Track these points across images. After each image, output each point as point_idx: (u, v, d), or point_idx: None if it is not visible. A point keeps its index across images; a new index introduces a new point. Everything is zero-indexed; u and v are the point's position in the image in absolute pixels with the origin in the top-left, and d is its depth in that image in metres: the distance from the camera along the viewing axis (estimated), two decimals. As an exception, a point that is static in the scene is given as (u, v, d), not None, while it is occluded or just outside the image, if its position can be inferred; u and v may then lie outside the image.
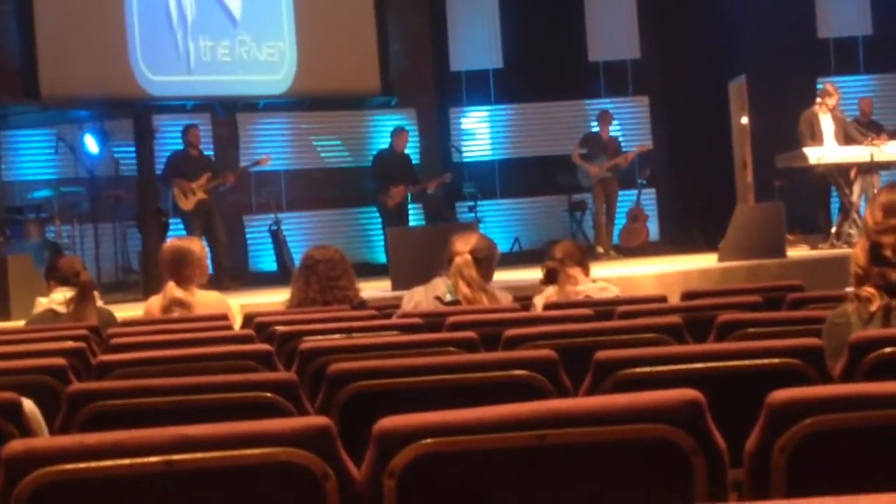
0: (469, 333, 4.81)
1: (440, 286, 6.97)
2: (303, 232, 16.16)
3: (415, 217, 16.77)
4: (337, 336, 5.40)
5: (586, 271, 7.23)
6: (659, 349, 4.17)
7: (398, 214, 15.72)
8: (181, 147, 14.78)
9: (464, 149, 17.55)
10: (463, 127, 17.81)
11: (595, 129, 16.72)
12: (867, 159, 13.76)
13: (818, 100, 14.32)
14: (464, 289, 6.77)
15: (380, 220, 16.01)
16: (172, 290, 7.16)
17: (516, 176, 17.65)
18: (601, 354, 3.69)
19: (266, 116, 16.60)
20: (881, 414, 2.63)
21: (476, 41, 17.69)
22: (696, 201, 17.11)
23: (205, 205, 14.36)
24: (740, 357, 3.71)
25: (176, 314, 7.07)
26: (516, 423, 2.53)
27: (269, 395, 3.60)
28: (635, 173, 16.94)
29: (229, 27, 15.92)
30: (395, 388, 3.74)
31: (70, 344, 5.47)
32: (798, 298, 6.15)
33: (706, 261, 13.08)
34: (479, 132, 17.88)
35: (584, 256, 7.35)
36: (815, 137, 14.11)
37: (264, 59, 16.20)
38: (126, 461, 2.47)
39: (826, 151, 13.92)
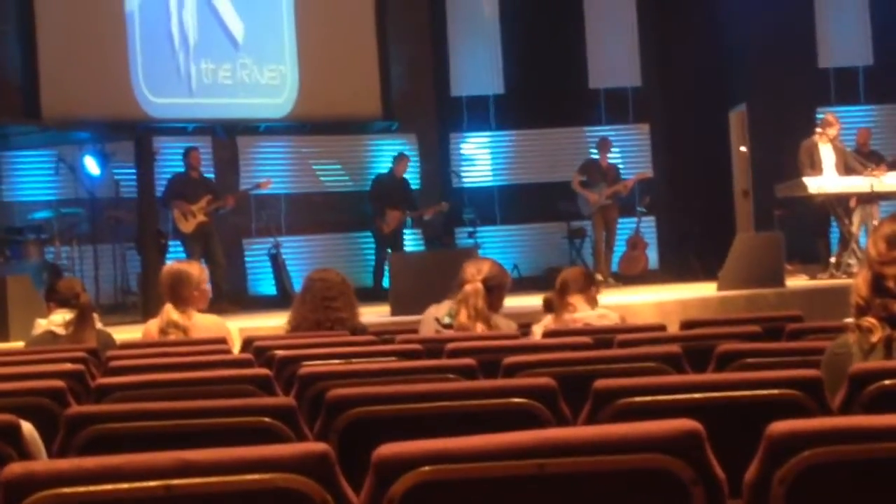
0: (468, 360, 4.81)
1: (443, 308, 6.99)
2: (302, 256, 16.15)
3: (414, 243, 16.79)
4: (336, 361, 5.39)
5: (590, 298, 7.19)
6: (658, 378, 4.18)
7: (393, 239, 15.73)
8: (182, 169, 14.80)
9: (464, 174, 17.57)
10: (463, 152, 17.83)
11: (594, 157, 16.75)
12: (867, 189, 13.78)
13: (818, 129, 14.34)
14: (462, 317, 6.76)
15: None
16: (169, 312, 7.15)
17: (516, 202, 17.66)
18: (600, 383, 3.68)
19: (267, 140, 16.62)
20: (881, 447, 2.63)
21: (477, 67, 17.72)
22: (696, 230, 17.12)
23: (204, 227, 14.37)
24: (739, 387, 3.70)
25: (172, 337, 7.06)
26: (516, 452, 2.52)
27: (267, 420, 3.60)
28: (635, 201, 16.95)
29: (231, 50, 15.95)
30: (395, 415, 3.73)
31: (69, 366, 5.46)
32: (797, 329, 6.15)
33: (705, 289, 13.09)
34: (479, 158, 17.89)
35: (590, 284, 7.31)
36: (815, 167, 14.13)
37: (266, 83, 16.22)
38: (125, 485, 2.46)
39: (826, 181, 13.94)
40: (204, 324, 7.22)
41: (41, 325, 7.21)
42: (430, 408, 3.73)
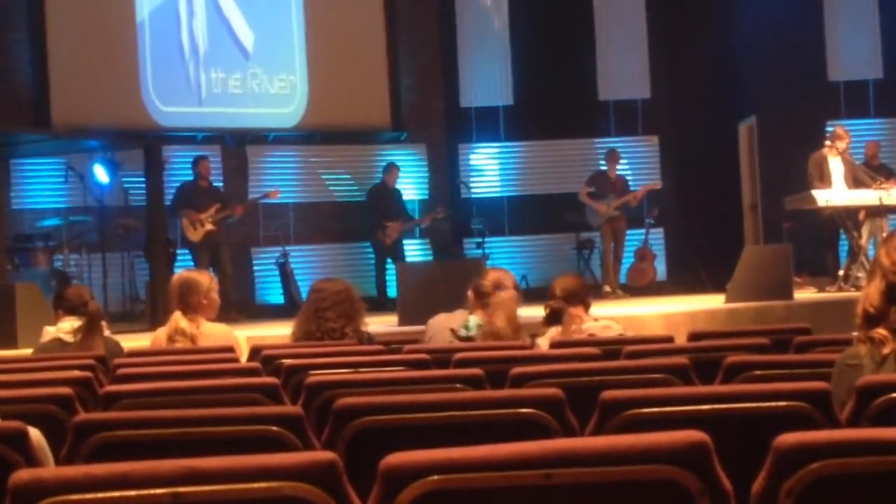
0: (476, 370, 4.81)
1: (458, 318, 6.98)
2: (310, 265, 16.16)
3: (422, 252, 16.80)
4: (344, 370, 5.39)
5: (587, 308, 7.20)
6: (666, 390, 4.17)
7: (394, 250, 15.73)
8: (191, 178, 14.82)
9: (472, 185, 17.58)
10: (472, 163, 17.83)
11: (603, 168, 16.76)
12: (876, 203, 13.76)
13: (828, 142, 14.32)
14: (500, 321, 6.77)
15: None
16: (178, 320, 7.16)
17: (525, 213, 17.66)
18: (608, 394, 3.68)
19: (276, 149, 16.63)
20: (889, 460, 2.62)
21: (486, 78, 17.74)
22: (704, 241, 17.11)
23: (213, 236, 14.39)
24: (747, 399, 3.70)
25: (179, 344, 7.06)
26: (523, 462, 2.52)
27: (275, 428, 3.60)
28: (643, 213, 16.95)
29: (241, 60, 15.97)
30: (402, 424, 3.73)
31: (77, 373, 5.47)
32: (805, 341, 6.14)
33: (713, 301, 13.07)
34: (487, 169, 17.90)
35: (586, 293, 7.31)
36: (824, 180, 14.11)
37: (275, 92, 16.25)
38: (132, 493, 2.47)
39: (834, 194, 13.92)
40: (212, 332, 7.22)
41: (49, 332, 7.22)
42: (437, 417, 3.73)
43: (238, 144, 16.22)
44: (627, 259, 16.67)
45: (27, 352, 8.06)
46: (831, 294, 13.64)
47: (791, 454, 2.64)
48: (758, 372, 4.74)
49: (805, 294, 13.82)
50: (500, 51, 17.74)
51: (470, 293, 7.20)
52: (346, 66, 16.54)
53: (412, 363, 5.56)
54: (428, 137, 17.25)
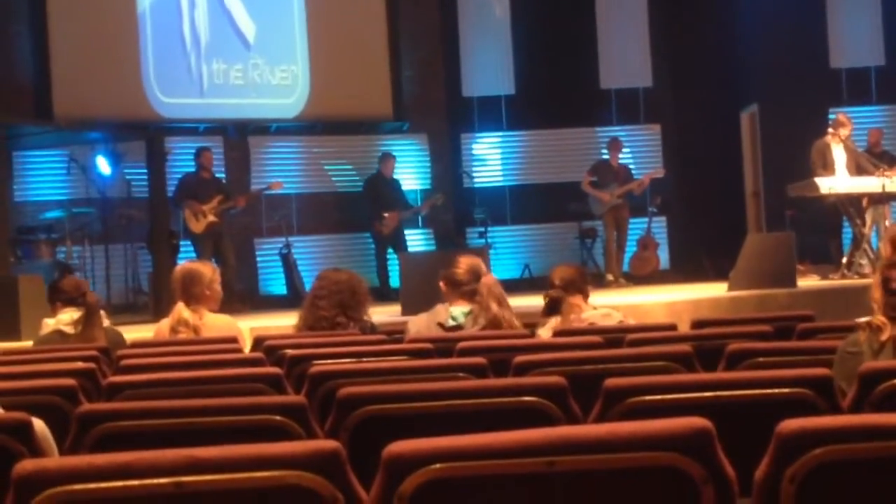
0: (479, 359, 4.82)
1: (441, 313, 6.97)
2: (313, 256, 16.16)
3: (425, 242, 16.79)
4: (347, 360, 5.40)
5: (586, 297, 7.18)
6: (669, 377, 4.18)
7: (393, 240, 15.72)
8: (193, 169, 14.82)
9: (475, 174, 17.57)
10: (474, 153, 17.82)
11: (606, 157, 16.75)
12: (879, 190, 13.74)
13: (830, 130, 14.31)
14: (494, 308, 6.77)
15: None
16: (181, 310, 7.16)
17: (527, 202, 17.65)
18: (611, 382, 3.69)
19: (278, 140, 16.63)
20: (890, 445, 2.63)
21: (488, 67, 17.72)
22: (707, 230, 17.10)
23: (215, 227, 14.38)
24: (750, 386, 3.71)
25: (182, 335, 7.06)
26: (526, 450, 2.53)
27: (278, 418, 3.61)
28: (646, 201, 16.94)
29: (242, 50, 15.97)
30: (405, 413, 3.74)
31: (80, 365, 5.47)
32: (808, 328, 6.15)
33: (716, 289, 13.06)
34: (490, 158, 17.88)
35: (584, 281, 7.28)
36: (827, 167, 14.10)
37: (277, 83, 16.24)
38: (135, 482, 2.47)
39: (837, 182, 13.91)
40: (215, 323, 7.22)
41: (49, 324, 7.20)
42: (440, 406, 3.74)
43: (240, 135, 16.22)
44: (630, 248, 16.66)
45: (30, 344, 8.07)
46: (834, 282, 13.63)
47: (794, 440, 2.64)
48: (760, 359, 4.74)
49: (808, 282, 13.81)
50: (501, 39, 17.72)
51: (442, 284, 7.19)
52: (347, 56, 16.53)
53: (415, 353, 5.57)
54: (430, 127, 17.24)
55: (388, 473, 2.52)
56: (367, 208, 15.92)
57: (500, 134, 17.82)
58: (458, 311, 6.95)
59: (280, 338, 6.81)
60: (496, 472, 2.52)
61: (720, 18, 17.49)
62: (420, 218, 16.65)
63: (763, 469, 2.69)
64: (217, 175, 15.21)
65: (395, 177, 16.25)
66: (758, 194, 17.61)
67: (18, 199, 14.52)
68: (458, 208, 17.31)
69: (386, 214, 15.64)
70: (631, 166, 16.82)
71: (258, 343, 6.67)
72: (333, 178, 16.84)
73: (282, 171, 16.20)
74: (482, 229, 16.90)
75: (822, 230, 14.94)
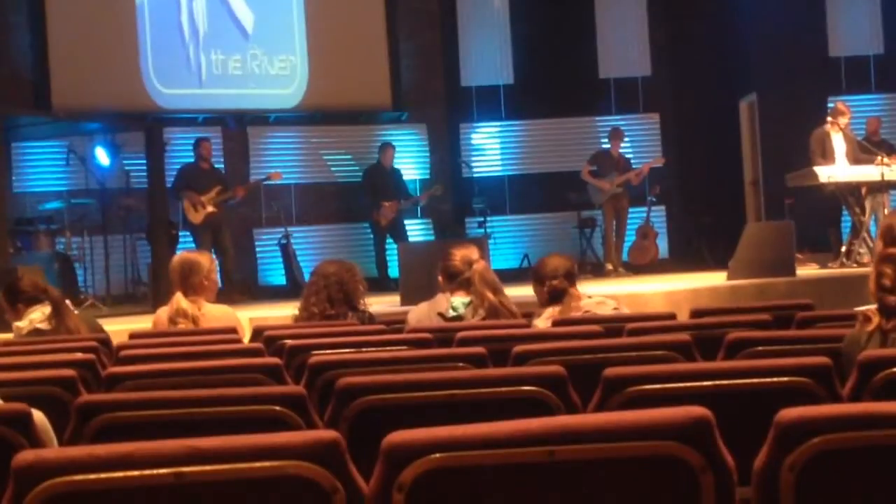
0: (478, 349, 4.82)
1: (442, 302, 6.97)
2: (312, 246, 16.17)
3: (424, 232, 16.80)
4: (346, 350, 5.40)
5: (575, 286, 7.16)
6: (668, 366, 4.17)
7: (392, 230, 15.71)
8: (192, 160, 14.81)
9: (474, 164, 17.57)
10: (473, 142, 17.81)
11: (606, 147, 16.74)
12: (878, 178, 13.74)
13: (829, 118, 14.31)
14: (490, 296, 6.77)
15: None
16: (179, 300, 7.16)
17: (526, 192, 17.65)
18: (610, 371, 3.69)
19: (277, 130, 16.63)
20: (890, 434, 2.63)
21: (487, 57, 17.71)
22: (706, 219, 17.11)
23: (214, 218, 14.38)
24: (749, 375, 3.71)
25: (181, 325, 7.06)
26: (526, 439, 2.53)
27: (277, 408, 3.61)
28: (645, 191, 16.94)
29: (241, 41, 15.95)
30: (405, 403, 3.74)
31: (79, 355, 5.47)
32: (807, 317, 6.15)
33: (715, 278, 13.06)
34: (489, 148, 17.88)
35: (575, 271, 7.25)
36: (826, 156, 14.11)
37: (276, 73, 16.23)
38: (135, 473, 2.47)
39: (836, 170, 13.91)
40: (214, 314, 7.23)
41: (21, 327, 7.05)
42: (439, 396, 3.74)
43: (239, 126, 16.22)
44: (629, 237, 16.66)
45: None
46: (833, 270, 13.64)
47: (793, 429, 2.64)
48: (760, 348, 4.74)
49: (807, 270, 13.82)
50: (500, 29, 17.71)
51: (440, 277, 7.18)
52: (346, 46, 16.52)
53: (414, 342, 5.57)
54: (429, 117, 17.23)
55: (388, 463, 2.53)
56: (366, 198, 15.91)
57: (499, 124, 17.82)
58: (458, 301, 6.94)
59: (279, 328, 6.81)
60: (496, 462, 2.52)
61: (719, 7, 17.47)
62: (419, 208, 16.66)
63: (762, 458, 2.69)
64: (216, 166, 15.21)
65: (395, 166, 16.24)
66: (757, 183, 17.60)
67: (17, 190, 14.53)
68: (457, 198, 17.31)
69: (385, 204, 15.63)
70: (630, 156, 16.81)
71: (257, 333, 6.67)
72: (332, 169, 16.84)
73: (281, 161, 16.20)
74: (481, 219, 16.91)
75: (821, 219, 14.93)
